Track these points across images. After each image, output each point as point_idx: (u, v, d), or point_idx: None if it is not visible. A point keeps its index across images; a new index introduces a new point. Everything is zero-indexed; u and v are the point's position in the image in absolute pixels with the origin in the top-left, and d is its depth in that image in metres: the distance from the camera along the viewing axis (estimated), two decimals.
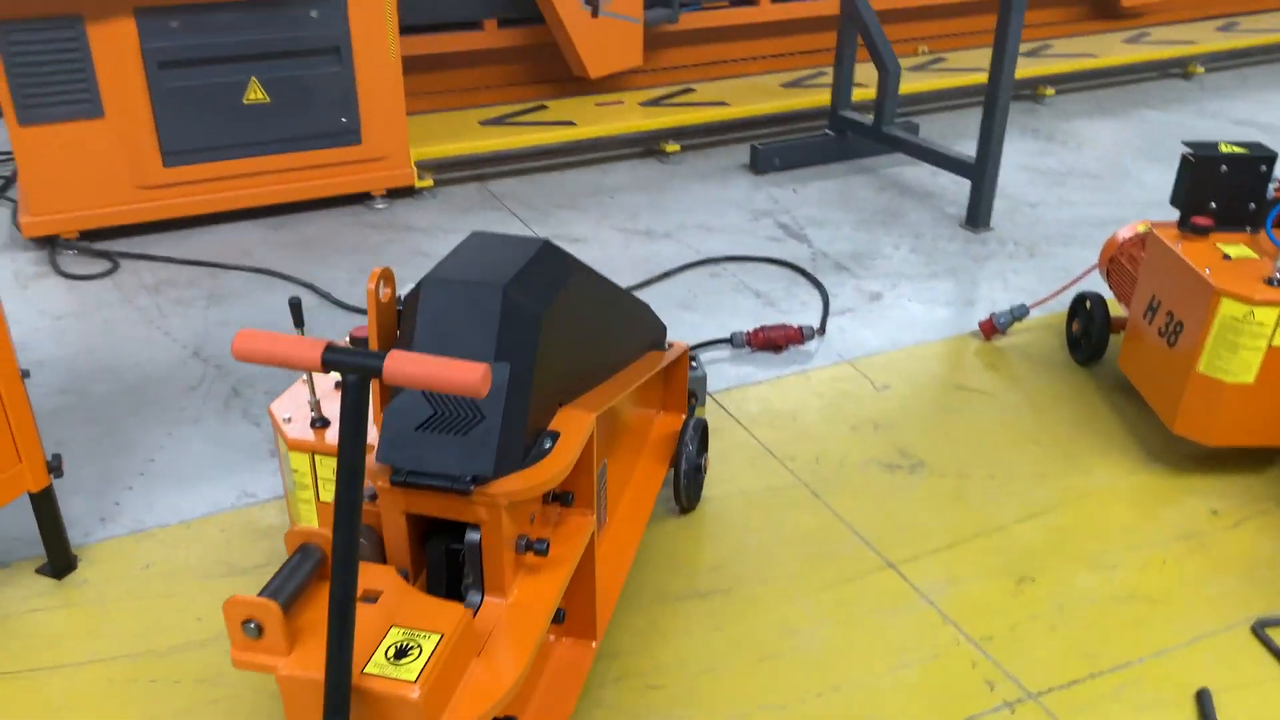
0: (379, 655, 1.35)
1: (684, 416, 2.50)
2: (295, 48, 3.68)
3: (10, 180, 4.09)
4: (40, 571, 2.22)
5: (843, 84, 4.57)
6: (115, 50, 3.43)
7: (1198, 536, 2.41)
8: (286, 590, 1.38)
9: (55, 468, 2.15)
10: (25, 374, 2.06)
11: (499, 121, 4.55)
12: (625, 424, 2.27)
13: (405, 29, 4.38)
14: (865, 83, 4.61)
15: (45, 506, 2.16)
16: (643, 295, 3.44)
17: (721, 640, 2.11)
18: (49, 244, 3.61)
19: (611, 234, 3.90)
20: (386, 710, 1.32)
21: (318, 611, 1.42)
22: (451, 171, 4.32)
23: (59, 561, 2.22)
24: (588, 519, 1.76)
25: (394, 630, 1.39)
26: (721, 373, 3.02)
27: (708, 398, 2.89)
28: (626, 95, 4.95)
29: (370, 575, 1.49)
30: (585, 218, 4.03)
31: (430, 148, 4.17)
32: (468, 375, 1.17)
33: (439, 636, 1.38)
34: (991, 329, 3.19)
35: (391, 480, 1.52)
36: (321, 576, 1.46)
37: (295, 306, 1.79)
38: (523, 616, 1.57)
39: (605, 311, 1.93)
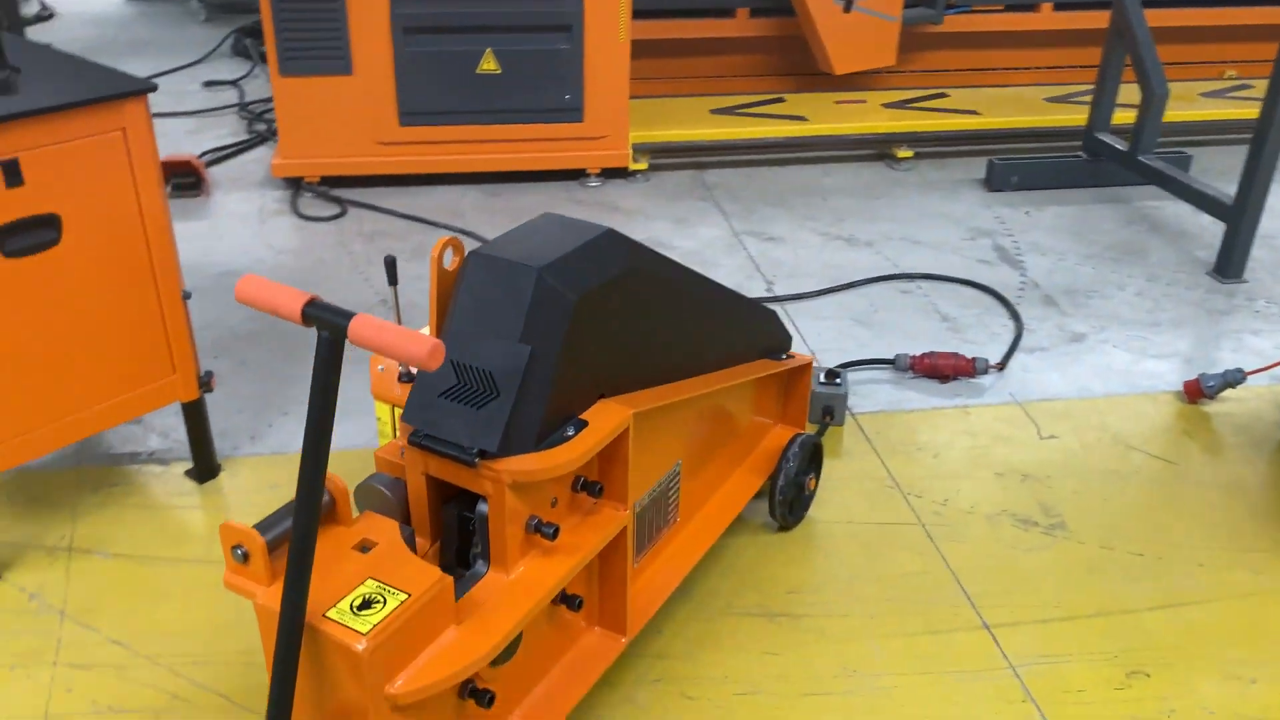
0: (345, 603, 1.41)
1: (798, 432, 2.41)
2: (529, 23, 3.84)
3: None
4: (188, 474, 2.48)
5: (1103, 104, 4.18)
6: (368, 14, 3.72)
7: None
8: (284, 525, 1.47)
9: (205, 383, 2.39)
10: (187, 295, 2.30)
11: (730, 111, 4.53)
12: (726, 428, 2.21)
13: (649, 13, 4.46)
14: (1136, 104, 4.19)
15: (194, 416, 2.41)
16: (820, 304, 3.33)
17: (773, 665, 2.02)
18: (294, 185, 3.99)
19: (810, 236, 3.79)
20: (335, 656, 1.38)
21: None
22: (669, 157, 4.36)
23: (203, 467, 2.47)
24: (619, 513, 1.74)
25: (370, 582, 1.44)
26: (873, 394, 2.87)
27: (849, 418, 2.76)
28: (872, 95, 4.78)
29: (373, 527, 1.55)
30: (789, 216, 3.95)
31: (650, 131, 4.23)
32: (416, 348, 1.19)
33: (405, 597, 1.42)
34: (1197, 392, 2.83)
35: (409, 439, 1.57)
36: (329, 519, 1.54)
37: (390, 265, 1.88)
38: (518, 594, 1.58)
39: (683, 309, 1.88)
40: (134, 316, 2.21)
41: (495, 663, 1.59)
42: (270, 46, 3.72)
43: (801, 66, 4.85)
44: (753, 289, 3.41)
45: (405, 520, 1.68)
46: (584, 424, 1.63)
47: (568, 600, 1.74)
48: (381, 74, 3.82)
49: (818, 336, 3.15)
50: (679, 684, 1.98)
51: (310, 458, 1.29)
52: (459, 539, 1.65)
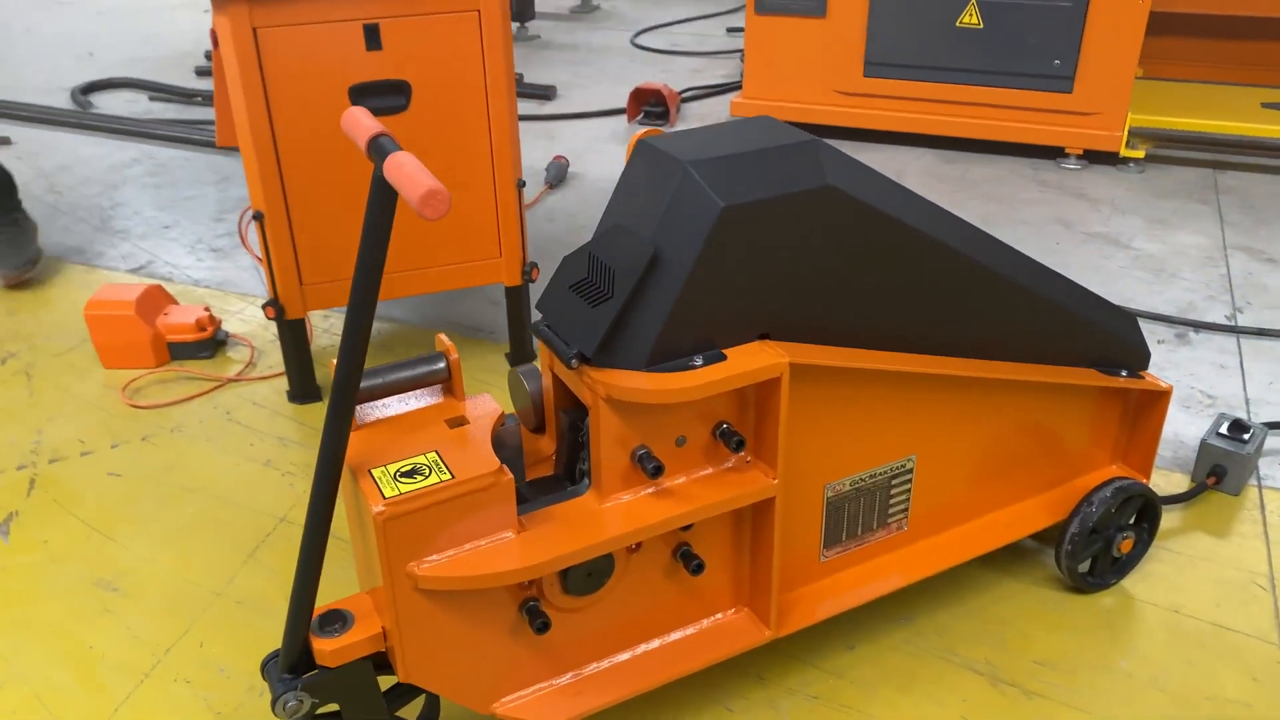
0: (393, 466, 1.35)
1: (1121, 475, 1.86)
2: None
3: None
4: (506, 356, 2.60)
5: None
6: None
7: None
8: (381, 376, 1.44)
9: (528, 273, 2.47)
10: (521, 184, 2.37)
11: None
12: (1014, 441, 1.77)
13: None
14: None
15: (515, 302, 2.50)
16: (1252, 345, 2.55)
17: None
18: None
19: None
20: (366, 514, 1.33)
21: (411, 414, 1.46)
22: (1177, 148, 3.60)
23: (518, 352, 2.57)
24: (767, 480, 1.46)
25: (430, 455, 1.37)
26: None
27: (1252, 488, 2.08)
28: None
29: (479, 409, 1.46)
30: None
31: (1160, 116, 3.53)
32: (414, 190, 1.07)
33: (448, 478, 1.32)
34: None
35: (532, 326, 1.46)
36: (445, 388, 1.50)
37: None
38: (597, 523, 1.40)
39: (927, 264, 1.51)
40: (467, 193, 2.33)
41: (571, 591, 1.44)
42: None
43: None
44: (1208, 310, 2.70)
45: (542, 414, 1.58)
46: (720, 358, 1.39)
47: (686, 559, 1.51)
48: (855, 19, 3.63)
49: (1266, 384, 2.41)
50: (838, 711, 1.64)
51: (357, 305, 1.23)
52: (569, 450, 1.50)
